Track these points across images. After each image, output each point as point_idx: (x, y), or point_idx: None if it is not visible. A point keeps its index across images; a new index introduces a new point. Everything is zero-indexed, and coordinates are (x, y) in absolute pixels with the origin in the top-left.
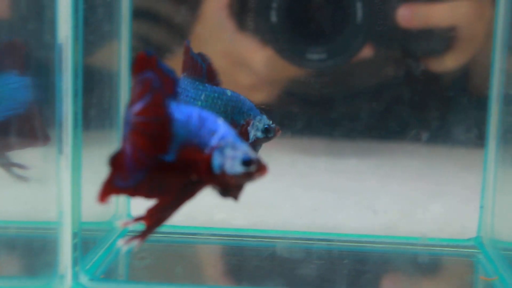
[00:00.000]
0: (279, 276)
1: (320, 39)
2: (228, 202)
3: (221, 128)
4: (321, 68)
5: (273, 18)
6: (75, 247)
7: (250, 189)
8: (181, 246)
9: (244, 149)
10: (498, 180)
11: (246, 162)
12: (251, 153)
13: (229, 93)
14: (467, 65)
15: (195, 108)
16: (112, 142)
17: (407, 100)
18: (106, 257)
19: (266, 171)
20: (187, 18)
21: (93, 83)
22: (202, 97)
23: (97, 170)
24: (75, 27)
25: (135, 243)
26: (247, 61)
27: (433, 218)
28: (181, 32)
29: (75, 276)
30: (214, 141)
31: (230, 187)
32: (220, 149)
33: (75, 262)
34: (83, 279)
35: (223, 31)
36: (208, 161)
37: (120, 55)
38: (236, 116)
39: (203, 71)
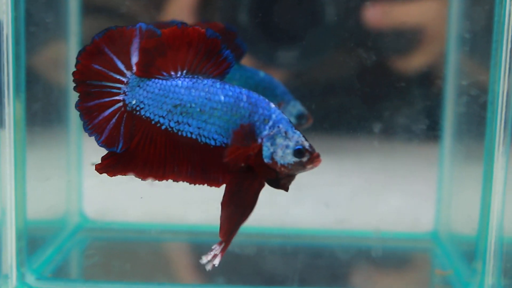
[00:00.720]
0: (231, 272)
1: (289, 39)
2: (183, 197)
3: (274, 114)
4: (291, 68)
5: (241, 18)
6: (20, 246)
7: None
8: (133, 243)
9: (296, 138)
10: (454, 174)
11: (299, 152)
12: (304, 143)
13: (262, 74)
14: (432, 64)
15: (242, 90)
16: (61, 137)
17: (368, 96)
18: (56, 256)
19: (319, 161)
20: (149, 15)
21: (38, 77)
22: (236, 76)
23: (43, 166)
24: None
25: (217, 259)
26: None
27: (389, 212)
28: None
29: (20, 275)
30: (267, 130)
31: (281, 177)
32: (272, 137)
33: (20, 261)
34: (30, 278)
35: None
36: (259, 151)
37: (69, 51)
38: (268, 98)
39: (241, 50)
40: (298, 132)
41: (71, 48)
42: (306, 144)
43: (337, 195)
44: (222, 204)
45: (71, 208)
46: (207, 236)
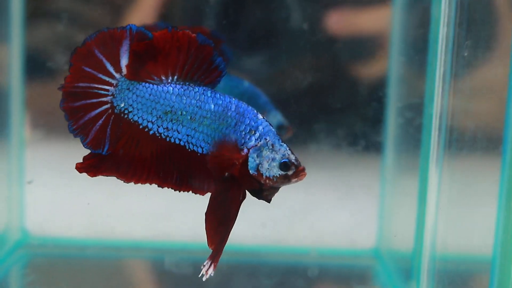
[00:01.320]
0: None
1: (254, 46)
2: (128, 211)
3: (261, 126)
4: (256, 74)
5: (207, 24)
6: None
7: (147, 200)
8: (76, 260)
9: (283, 152)
10: (396, 189)
11: (284, 166)
12: (290, 156)
13: (246, 84)
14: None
15: (232, 99)
16: (1, 150)
17: (317, 106)
18: None
19: (304, 175)
20: (108, 21)
21: None
22: (221, 84)
23: None
24: None
25: (211, 270)
26: None
27: (331, 228)
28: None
29: None
30: (253, 141)
31: (265, 188)
32: (258, 149)
33: None
34: None
35: None
36: (244, 161)
37: (11, 57)
38: (252, 107)
39: (226, 58)
40: (284, 145)
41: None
42: (292, 158)
43: (276, 211)
44: (206, 212)
45: (12, 224)
46: (152, 253)
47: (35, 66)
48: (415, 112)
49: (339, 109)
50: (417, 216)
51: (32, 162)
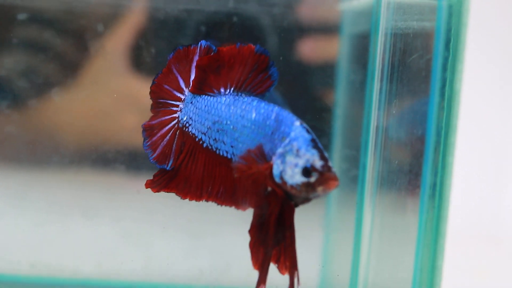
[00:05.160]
0: None
1: None
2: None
3: (294, 132)
4: None
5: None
6: None
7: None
8: None
9: (308, 157)
10: (338, 237)
11: (306, 171)
12: (315, 162)
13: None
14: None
15: (275, 108)
16: None
17: None
18: None
19: (334, 184)
20: (79, 53)
21: None
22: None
23: None
24: None
25: None
26: (139, 100)
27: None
28: (71, 66)
29: None
30: (281, 147)
31: (296, 201)
32: (282, 154)
33: None
34: None
35: (117, 70)
36: (269, 169)
37: None
38: None
39: None
40: (315, 151)
41: None
42: (318, 163)
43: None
44: (250, 230)
45: None
46: None
47: None
48: (350, 164)
49: None
50: (353, 257)
51: None
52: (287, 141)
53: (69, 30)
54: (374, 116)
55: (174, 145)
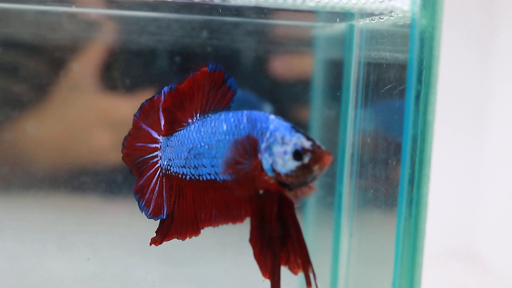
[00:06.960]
0: None
1: None
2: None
3: (272, 124)
4: None
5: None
6: None
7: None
8: None
9: (295, 141)
10: (315, 258)
11: (297, 154)
12: (304, 143)
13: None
14: None
15: (243, 112)
16: None
17: None
18: None
19: (328, 159)
20: (50, 72)
21: None
22: None
23: None
24: None
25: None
26: (111, 120)
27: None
28: (39, 84)
29: None
30: (264, 142)
31: (292, 187)
32: (268, 147)
33: None
34: None
35: (88, 88)
36: (261, 166)
37: None
38: None
39: None
40: (298, 134)
41: None
42: (307, 144)
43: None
44: (250, 240)
45: None
46: None
47: None
48: (325, 191)
49: None
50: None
51: None
52: (268, 134)
53: (37, 52)
54: (349, 143)
55: (164, 193)
